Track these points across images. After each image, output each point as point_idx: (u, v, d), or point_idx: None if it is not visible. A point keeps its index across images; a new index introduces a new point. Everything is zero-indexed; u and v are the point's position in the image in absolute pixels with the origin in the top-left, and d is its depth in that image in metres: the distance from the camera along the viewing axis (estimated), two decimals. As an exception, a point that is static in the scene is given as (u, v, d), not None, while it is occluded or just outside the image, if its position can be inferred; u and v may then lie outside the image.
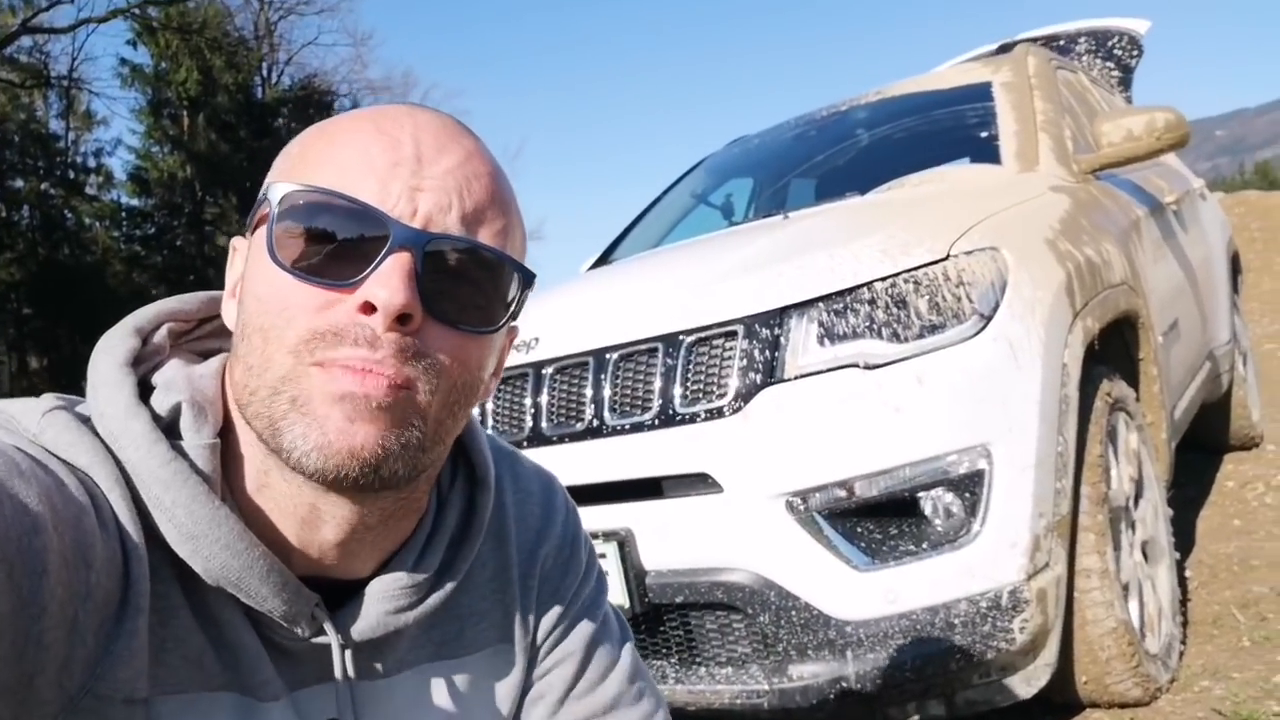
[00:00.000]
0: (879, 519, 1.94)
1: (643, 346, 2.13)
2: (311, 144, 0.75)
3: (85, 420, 0.71)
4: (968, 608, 1.87)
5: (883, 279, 2.03)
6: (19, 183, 26.57)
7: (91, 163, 29.13)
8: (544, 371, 2.26)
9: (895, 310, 2.00)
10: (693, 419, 2.02)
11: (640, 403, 2.10)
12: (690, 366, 2.07)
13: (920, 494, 1.92)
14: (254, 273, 0.72)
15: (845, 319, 2.00)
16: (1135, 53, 4.96)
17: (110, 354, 0.75)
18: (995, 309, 2.02)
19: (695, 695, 2.03)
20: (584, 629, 0.96)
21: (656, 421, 2.06)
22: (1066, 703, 2.19)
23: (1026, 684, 1.97)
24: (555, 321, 2.33)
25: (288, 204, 0.70)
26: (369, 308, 0.67)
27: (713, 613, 2.04)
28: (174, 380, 0.74)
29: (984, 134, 3.22)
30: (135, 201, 29.50)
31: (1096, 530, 2.11)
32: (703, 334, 2.08)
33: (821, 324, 2.01)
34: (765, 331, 2.02)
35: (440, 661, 0.85)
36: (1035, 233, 2.31)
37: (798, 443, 1.95)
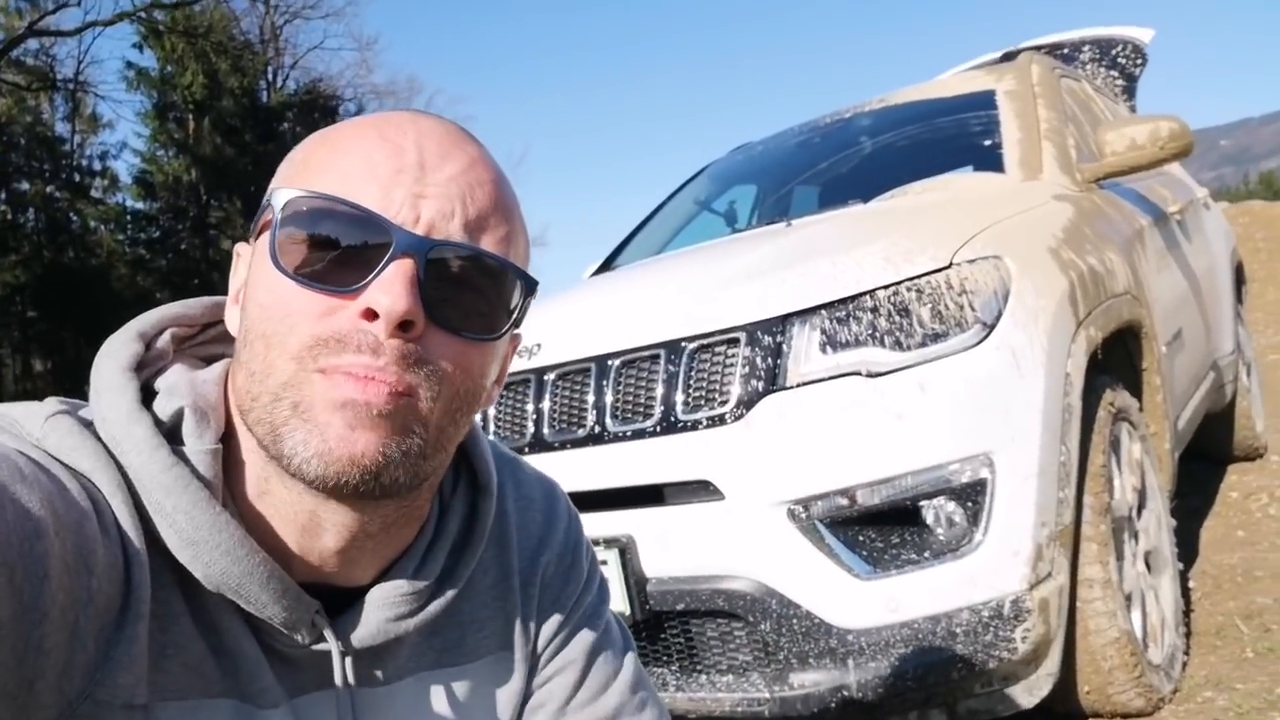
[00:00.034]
0: (881, 527, 1.94)
1: (645, 353, 2.13)
2: (315, 151, 0.75)
3: (88, 425, 0.71)
4: (970, 617, 1.86)
5: (885, 287, 2.03)
6: (24, 185, 26.63)
7: (97, 166, 29.23)
8: (546, 377, 2.26)
9: (898, 318, 1.99)
10: (695, 426, 2.02)
11: (642, 409, 2.10)
12: (692, 373, 2.07)
13: (922, 502, 1.92)
14: (257, 279, 0.72)
15: (848, 327, 2.00)
16: (1139, 61, 4.96)
17: (113, 359, 0.75)
18: (998, 317, 2.01)
19: (696, 703, 2.02)
20: (585, 637, 0.96)
21: (658, 428, 2.06)
22: (1069, 712, 2.18)
23: (1029, 693, 1.96)
24: (557, 328, 2.33)
25: (291, 210, 0.70)
26: (371, 314, 0.67)
27: (714, 620, 2.04)
28: (176, 385, 0.74)
29: (987, 142, 3.22)
30: (140, 205, 29.58)
31: (1099, 540, 2.10)
32: (705, 341, 2.07)
33: (824, 331, 2.01)
34: (768, 339, 2.02)
35: (441, 669, 0.85)
36: (1038, 241, 2.31)
37: (800, 450, 1.94)
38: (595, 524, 2.08)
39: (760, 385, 1.99)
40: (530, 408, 2.26)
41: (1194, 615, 2.87)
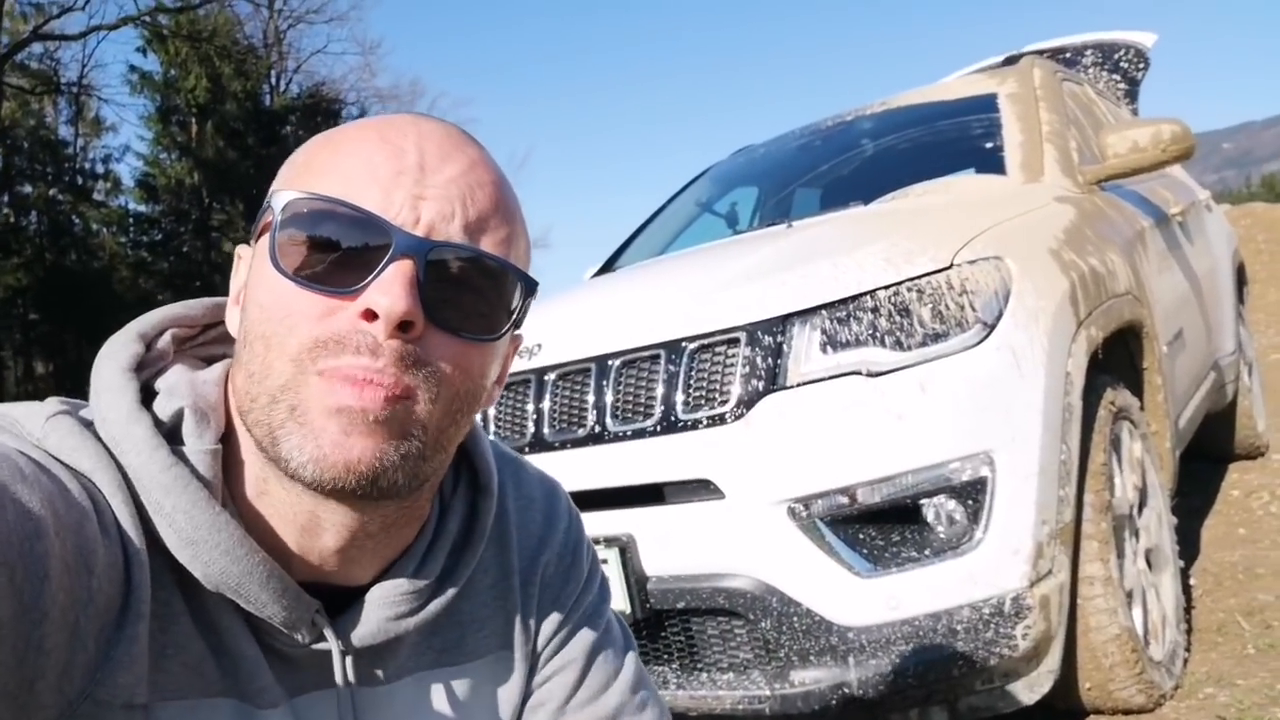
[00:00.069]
0: (881, 526, 1.94)
1: (645, 353, 2.14)
2: (316, 153, 0.75)
3: (89, 425, 0.71)
4: (970, 614, 1.87)
5: (886, 287, 2.03)
6: (27, 188, 26.66)
7: (100, 169, 29.28)
8: (546, 377, 2.26)
9: (898, 318, 2.00)
10: (695, 425, 2.03)
11: (642, 409, 2.10)
12: (693, 373, 2.07)
13: (923, 501, 1.92)
14: (257, 280, 0.73)
15: (848, 326, 2.00)
16: (1141, 65, 4.96)
17: (113, 359, 0.75)
18: (999, 318, 2.02)
19: (697, 701, 2.03)
20: (585, 637, 0.96)
21: (659, 428, 2.06)
22: (1070, 709, 2.19)
23: (1030, 690, 1.96)
24: (558, 328, 2.34)
25: (291, 212, 0.70)
26: (370, 315, 0.67)
27: (714, 618, 2.04)
28: (177, 386, 0.75)
29: (989, 145, 3.22)
30: (143, 208, 29.61)
31: (1100, 538, 2.10)
32: (705, 341, 2.08)
33: (824, 331, 2.01)
34: (768, 339, 2.02)
35: (441, 669, 0.85)
36: (1039, 242, 2.31)
37: (800, 449, 1.95)
38: (596, 523, 2.08)
39: (761, 385, 2.00)
40: (531, 408, 2.27)
41: (1195, 612, 2.87)
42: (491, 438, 0.96)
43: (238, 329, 0.75)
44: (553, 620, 0.94)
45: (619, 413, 2.13)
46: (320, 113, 29.58)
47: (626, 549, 2.05)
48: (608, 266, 4.00)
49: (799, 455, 1.95)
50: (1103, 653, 2.08)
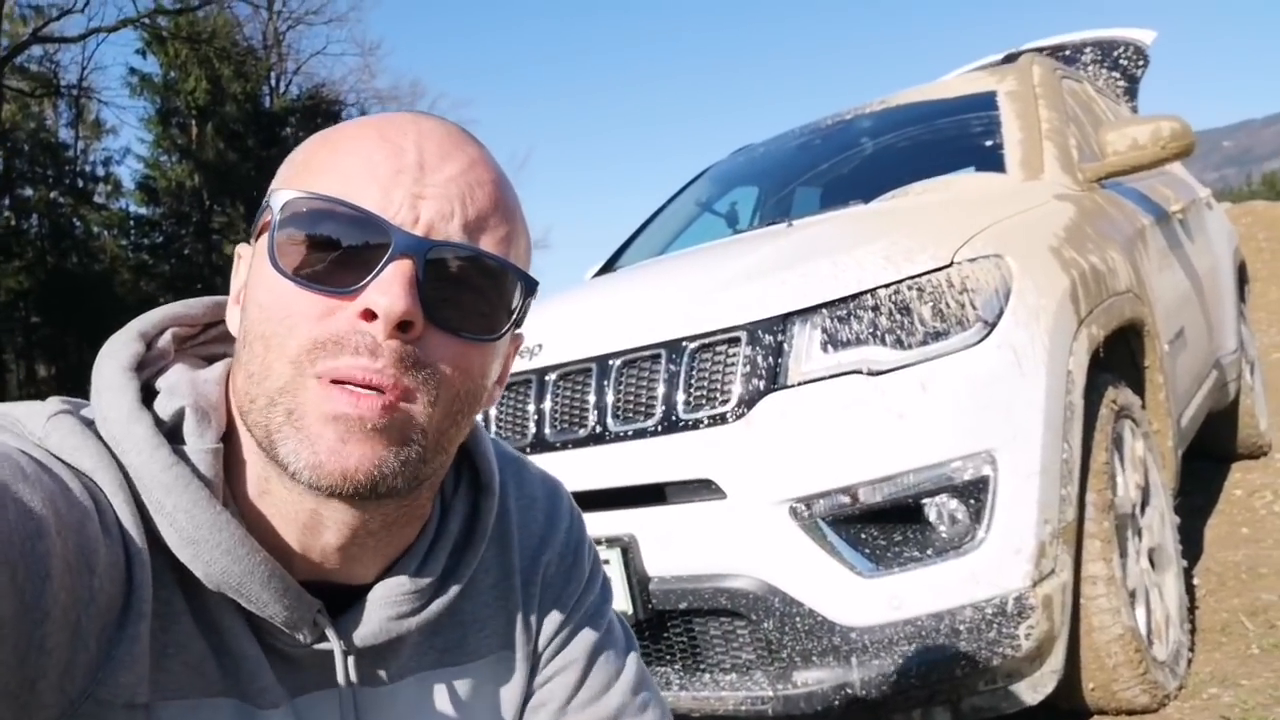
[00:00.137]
0: (883, 525, 1.94)
1: (646, 353, 2.13)
2: (315, 151, 0.75)
3: (90, 424, 0.71)
4: (973, 614, 1.86)
5: (886, 285, 2.03)
6: (28, 191, 26.68)
7: (100, 171, 29.32)
8: (547, 378, 2.26)
9: (899, 317, 2.00)
10: (696, 425, 2.03)
11: (643, 409, 2.10)
12: (694, 373, 2.07)
13: (925, 500, 1.92)
14: (257, 279, 0.73)
15: (849, 325, 2.00)
16: (1141, 63, 4.96)
17: (114, 358, 0.75)
18: (999, 316, 2.01)
19: (699, 702, 2.02)
20: (587, 637, 0.96)
21: (660, 428, 2.06)
22: (1074, 709, 2.18)
23: (1033, 691, 1.96)
24: (558, 328, 2.34)
25: (289, 211, 0.70)
26: (370, 315, 0.67)
27: (717, 619, 2.04)
28: (177, 385, 0.75)
29: (989, 143, 3.22)
30: (143, 210, 29.62)
31: (1102, 537, 2.10)
32: (706, 340, 2.08)
33: (825, 330, 2.01)
34: (769, 338, 2.02)
35: (442, 668, 0.85)
36: (1039, 240, 2.31)
37: (801, 449, 1.94)
38: (597, 524, 2.08)
39: (761, 384, 1.99)
40: (532, 408, 2.27)
41: (1199, 612, 2.87)
42: (493, 437, 0.96)
43: (238, 328, 0.75)
44: (554, 620, 0.94)
45: (620, 413, 2.13)
46: (320, 114, 29.58)
47: (628, 549, 2.05)
48: (608, 267, 4.00)
49: (800, 455, 1.94)
50: (1106, 653, 2.08)
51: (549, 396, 2.25)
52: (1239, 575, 3.16)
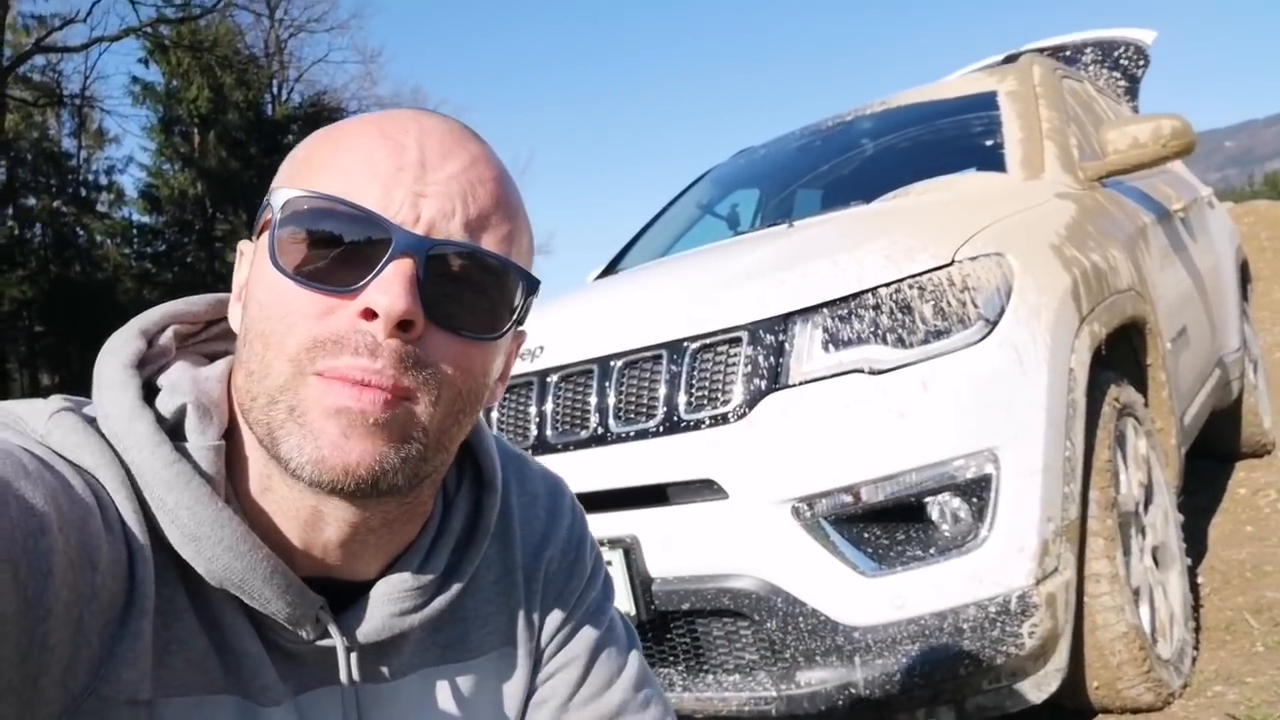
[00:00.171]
0: (886, 524, 1.94)
1: (647, 354, 2.14)
2: (317, 149, 0.75)
3: (91, 421, 0.71)
4: (976, 613, 1.86)
5: (887, 284, 2.03)
6: (31, 201, 26.74)
7: (103, 180, 29.39)
8: (549, 380, 2.26)
9: (900, 315, 2.00)
10: (698, 425, 2.03)
11: (645, 410, 2.10)
12: (695, 373, 2.07)
13: (927, 499, 1.92)
14: (257, 277, 0.72)
15: (850, 324, 2.00)
16: (1141, 63, 4.96)
17: (115, 355, 0.75)
18: (1000, 314, 2.01)
19: (703, 703, 2.02)
20: (588, 634, 0.96)
21: (661, 428, 2.06)
22: (1078, 708, 2.18)
23: (1037, 689, 1.95)
24: (560, 330, 2.34)
25: (290, 210, 0.70)
26: (370, 314, 0.66)
27: (719, 619, 2.03)
28: (179, 382, 0.75)
29: (990, 142, 3.22)
30: (146, 219, 29.73)
31: (1106, 535, 2.10)
32: (707, 340, 2.08)
33: (826, 330, 2.01)
34: (770, 337, 2.02)
35: (445, 665, 0.85)
36: (1040, 238, 2.31)
37: (803, 448, 1.94)
38: (600, 525, 2.08)
39: (763, 384, 1.99)
40: (533, 410, 2.27)
41: (1203, 610, 2.86)
42: (495, 434, 0.96)
43: (239, 326, 0.75)
44: (556, 617, 0.94)
45: (622, 414, 2.13)
46: (322, 121, 29.53)
47: (631, 550, 2.05)
48: (610, 269, 4.00)
49: (802, 454, 1.94)
50: (1110, 651, 2.07)
51: (551, 398, 2.25)
52: (1243, 573, 3.15)
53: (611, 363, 2.17)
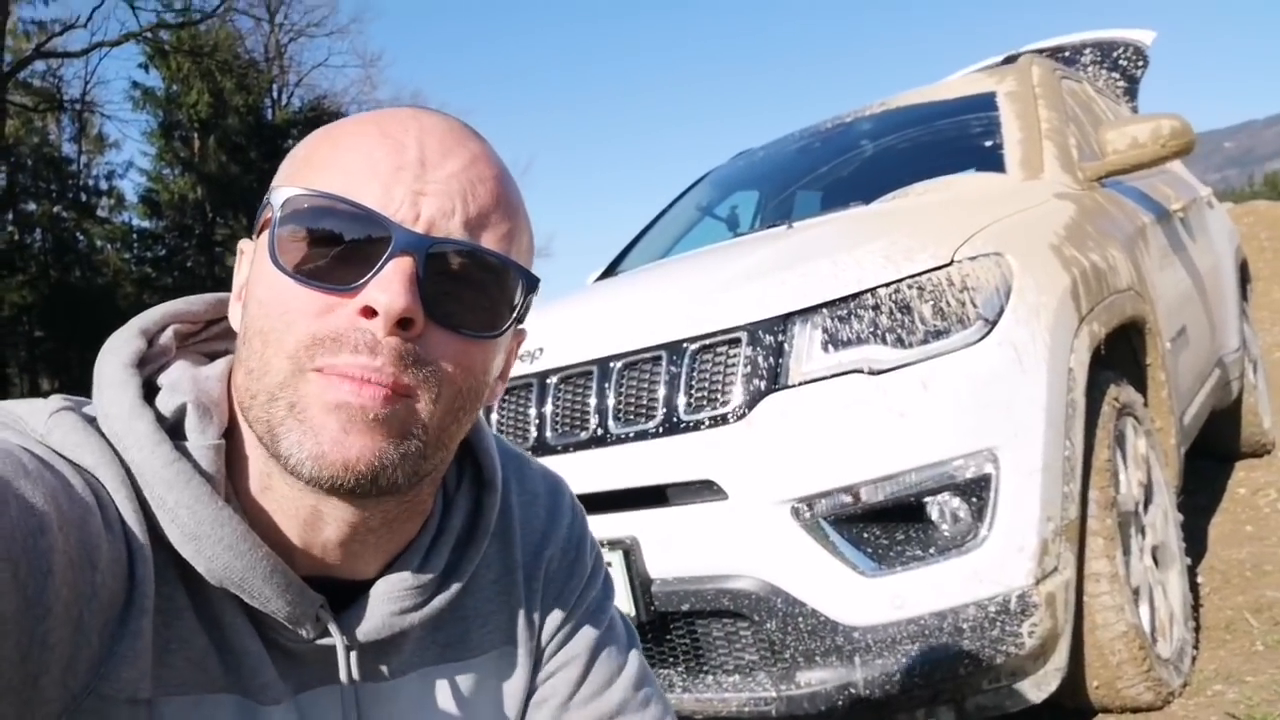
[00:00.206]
0: (885, 524, 1.94)
1: (647, 355, 2.14)
2: (316, 147, 0.75)
3: (91, 421, 0.71)
4: (976, 612, 1.86)
5: (886, 285, 2.03)
6: (31, 206, 26.76)
7: (103, 185, 29.40)
8: (548, 381, 2.26)
9: (899, 316, 2.00)
10: (697, 426, 2.03)
11: (645, 411, 2.10)
12: (694, 374, 2.07)
13: (927, 499, 1.92)
14: (257, 276, 0.73)
15: (849, 325, 2.00)
16: (1140, 63, 4.96)
17: (115, 354, 0.75)
18: (1000, 314, 2.02)
19: (703, 703, 2.02)
20: (588, 633, 0.96)
21: (661, 429, 2.06)
22: (1078, 708, 2.18)
23: (1037, 689, 1.95)
24: (559, 331, 2.34)
25: (290, 208, 0.70)
26: (369, 312, 0.67)
27: (719, 620, 2.03)
28: (179, 381, 0.75)
29: (989, 143, 3.22)
30: (146, 223, 29.72)
31: (1105, 534, 2.10)
32: (707, 341, 2.08)
33: (825, 330, 2.01)
34: (769, 338, 2.02)
35: (445, 664, 0.85)
36: (1040, 238, 2.31)
37: (803, 449, 1.94)
38: (600, 526, 2.08)
39: (762, 384, 2.00)
40: (533, 412, 2.27)
41: (1203, 610, 2.86)
42: (495, 434, 0.96)
43: (239, 325, 0.75)
44: (556, 616, 0.94)
45: (621, 415, 2.14)
46: (322, 126, 29.56)
47: (630, 551, 2.05)
48: (609, 271, 4.00)
49: (802, 455, 1.94)
50: (1110, 650, 2.07)
51: (550, 400, 2.25)
52: (1243, 573, 3.15)
53: (611, 364, 2.17)
